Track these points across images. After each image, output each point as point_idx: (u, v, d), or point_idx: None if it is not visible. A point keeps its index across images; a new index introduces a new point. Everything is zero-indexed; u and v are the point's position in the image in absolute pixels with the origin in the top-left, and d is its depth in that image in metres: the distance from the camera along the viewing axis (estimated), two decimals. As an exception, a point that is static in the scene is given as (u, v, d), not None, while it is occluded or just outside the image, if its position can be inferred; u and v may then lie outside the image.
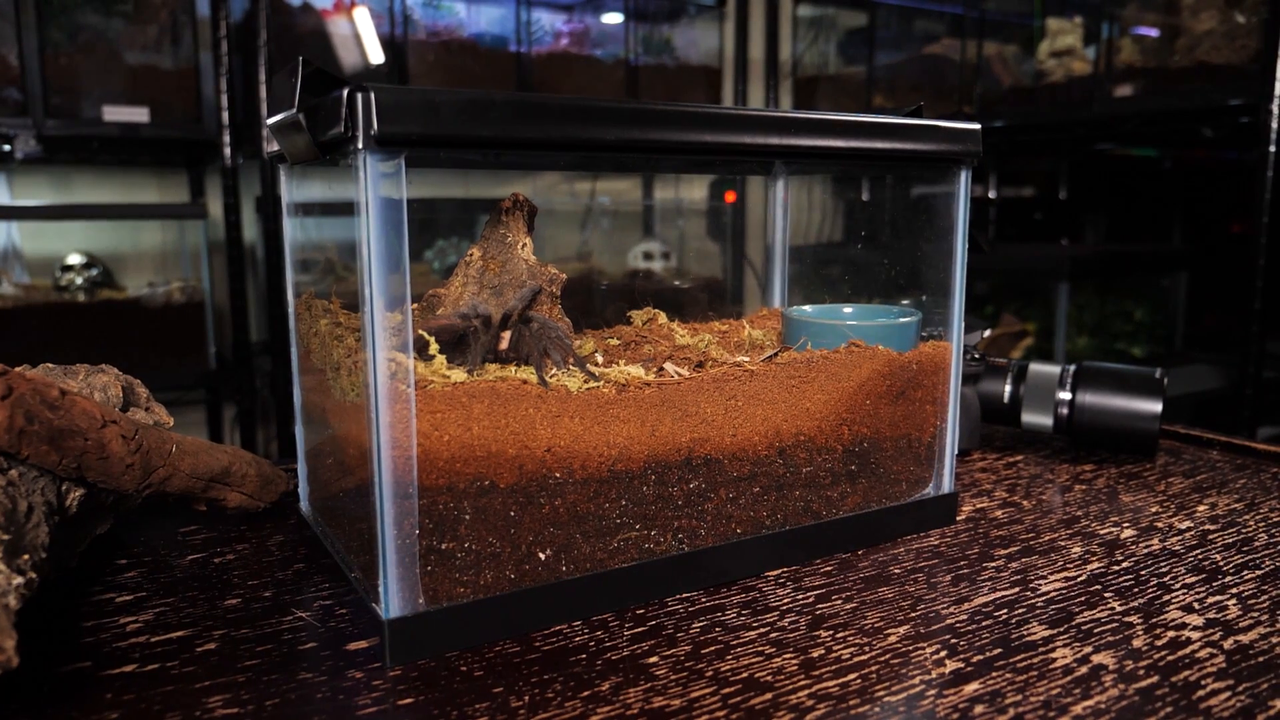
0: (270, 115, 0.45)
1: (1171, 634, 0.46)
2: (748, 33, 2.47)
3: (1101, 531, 0.60)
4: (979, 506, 0.65)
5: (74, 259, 1.74)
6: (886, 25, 2.39)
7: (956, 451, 0.80)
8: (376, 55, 2.09)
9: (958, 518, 0.63)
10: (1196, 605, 0.49)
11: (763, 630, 0.46)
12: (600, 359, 0.58)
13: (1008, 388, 0.81)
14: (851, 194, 3.11)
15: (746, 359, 0.53)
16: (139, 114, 1.60)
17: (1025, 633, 0.46)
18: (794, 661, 0.43)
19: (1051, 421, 0.79)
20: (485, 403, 0.44)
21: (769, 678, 0.41)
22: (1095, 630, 0.46)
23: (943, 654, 0.44)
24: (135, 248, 1.98)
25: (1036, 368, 0.81)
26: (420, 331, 0.44)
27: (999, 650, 0.44)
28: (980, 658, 0.43)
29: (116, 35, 1.61)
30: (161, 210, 1.84)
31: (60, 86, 1.55)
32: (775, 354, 0.55)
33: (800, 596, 0.50)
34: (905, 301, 0.69)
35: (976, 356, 0.80)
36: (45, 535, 0.43)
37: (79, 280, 1.70)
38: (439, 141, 0.39)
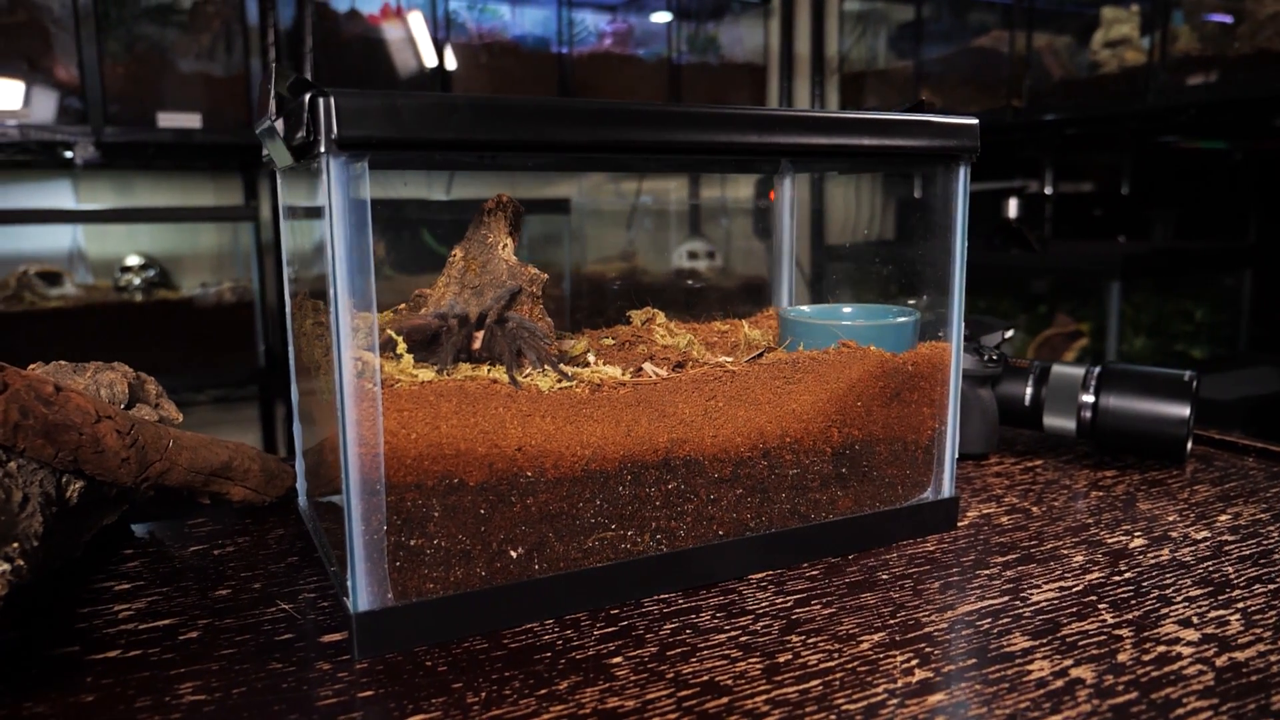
0: (255, 122, 0.47)
1: (1161, 649, 0.44)
2: (793, 29, 2.45)
3: (1109, 540, 0.58)
4: (985, 512, 0.64)
5: (132, 260, 1.81)
6: (937, 18, 2.34)
7: (975, 454, 0.78)
8: (431, 59, 2.13)
9: (961, 523, 0.61)
10: (1195, 619, 0.47)
11: (733, 634, 0.46)
12: (592, 359, 0.58)
13: (1029, 390, 0.79)
14: (902, 191, 3.06)
15: (729, 359, 0.52)
16: (192, 120, 1.66)
17: (1005, 643, 0.45)
18: (758, 666, 0.42)
19: (1074, 425, 0.77)
20: (453, 401, 0.44)
21: (729, 681, 0.41)
22: (1080, 643, 0.45)
23: (913, 663, 0.43)
24: (193, 249, 2.05)
25: (1059, 369, 0.78)
26: (389, 331, 0.45)
27: (973, 660, 0.43)
28: (952, 668, 0.42)
29: (170, 44, 1.67)
30: (213, 213, 1.91)
31: (117, 95, 1.61)
32: (760, 354, 0.54)
33: (779, 600, 0.49)
34: (911, 301, 0.67)
35: (994, 357, 0.78)
36: (39, 525, 0.45)
37: (137, 281, 1.77)
38: (400, 144, 0.40)
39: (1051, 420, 0.78)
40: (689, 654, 0.44)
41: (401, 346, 0.45)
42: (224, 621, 0.47)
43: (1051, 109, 1.86)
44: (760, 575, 0.53)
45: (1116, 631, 0.46)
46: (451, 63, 2.13)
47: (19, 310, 1.61)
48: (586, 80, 2.24)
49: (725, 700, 0.40)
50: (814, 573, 0.53)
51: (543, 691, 0.40)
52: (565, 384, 0.47)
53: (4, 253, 1.75)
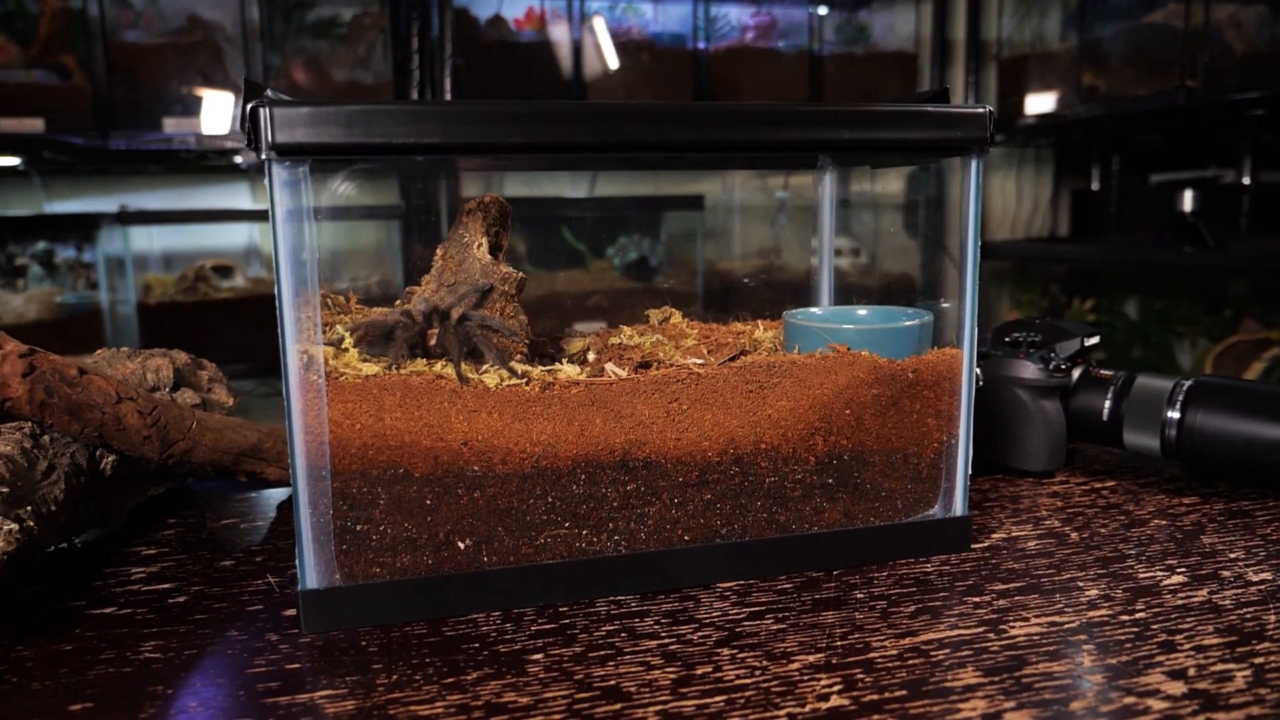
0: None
1: (1129, 700, 0.39)
2: (947, 12, 2.32)
3: (1141, 575, 0.52)
4: (1015, 534, 0.59)
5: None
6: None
7: (1037, 472, 0.71)
8: (613, 61, 2.19)
9: (980, 544, 0.57)
10: (1193, 671, 0.41)
11: (666, 641, 0.45)
12: (591, 357, 0.58)
13: (1108, 403, 0.72)
14: (1077, 182, 2.82)
15: (699, 361, 0.51)
16: (343, 126, 1.80)
17: (950, 678, 0.41)
18: (672, 676, 0.41)
19: (1158, 444, 0.69)
20: (397, 395, 0.46)
21: (633, 689, 0.40)
22: (1036, 685, 0.40)
23: (836, 688, 0.40)
24: (352, 246, 2.22)
25: (1144, 381, 0.70)
26: (338, 326, 0.48)
27: (903, 693, 0.40)
28: (875, 697, 0.40)
29: (326, 56, 1.82)
30: (363, 212, 2.05)
31: (279, 105, 1.77)
32: (734, 356, 0.52)
33: (734, 611, 0.48)
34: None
35: (1061, 366, 0.71)
36: (60, 492, 0.50)
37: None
38: (331, 150, 0.42)
39: (1132, 438, 0.70)
40: (610, 658, 0.43)
41: (348, 341, 0.47)
42: (212, 589, 0.51)
43: (1233, 88, 1.66)
44: (730, 584, 0.51)
45: (1087, 677, 0.41)
46: (614, 62, 2.18)
47: (194, 300, 1.81)
48: (723, 76, 2.23)
49: (618, 707, 0.39)
50: (787, 586, 0.51)
51: (449, 680, 0.41)
52: (515, 381, 0.48)
53: (190, 248, 1.97)
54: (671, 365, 0.51)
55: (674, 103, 0.46)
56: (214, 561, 0.55)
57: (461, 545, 0.48)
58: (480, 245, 0.52)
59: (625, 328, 0.60)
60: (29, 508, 0.48)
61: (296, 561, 0.46)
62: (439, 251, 0.54)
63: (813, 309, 0.64)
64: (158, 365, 0.62)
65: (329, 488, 0.46)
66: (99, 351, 0.63)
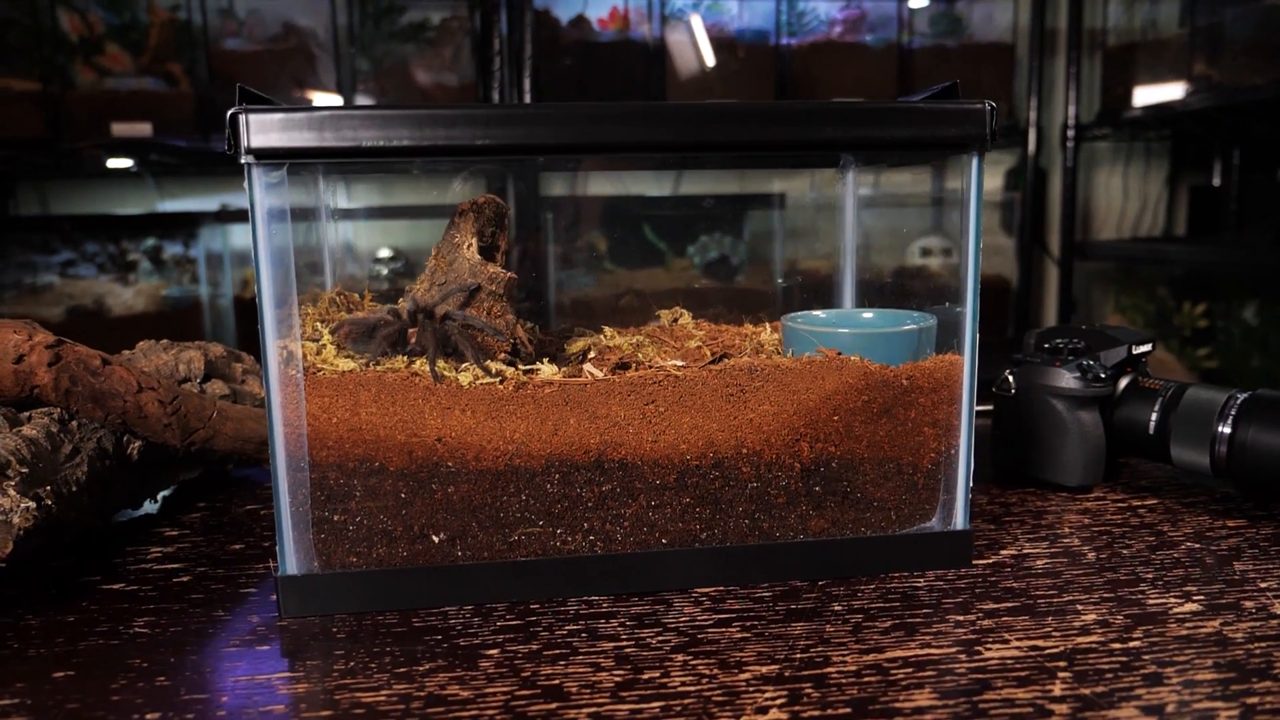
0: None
1: (1092, 734, 0.37)
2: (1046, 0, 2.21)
3: (1151, 601, 0.49)
4: (1026, 551, 0.56)
5: (384, 253, 2.06)
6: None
7: (1072, 486, 0.67)
8: (709, 58, 2.20)
9: (984, 560, 0.54)
10: (1173, 707, 0.38)
11: (623, 644, 0.45)
12: (592, 356, 0.58)
13: (1155, 415, 0.67)
14: (1200, 178, 2.63)
15: (679, 363, 0.51)
16: (426, 127, 1.86)
17: (902, 698, 0.39)
18: (616, 679, 0.41)
19: (1208, 460, 0.64)
20: (372, 391, 0.47)
21: (574, 689, 0.40)
22: (993, 711, 0.38)
23: (778, 702, 0.39)
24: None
25: (1195, 393, 0.66)
26: (317, 324, 0.49)
27: (847, 711, 0.39)
28: (816, 713, 0.38)
29: (415, 60, 1.88)
30: (447, 210, 2.11)
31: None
32: (717, 359, 0.52)
33: (701, 618, 0.47)
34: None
35: (1102, 375, 0.67)
36: (83, 474, 0.54)
37: (384, 271, 2.01)
38: (304, 153, 0.44)
39: (1180, 453, 0.65)
40: (562, 657, 0.43)
41: (326, 338, 0.49)
42: (215, 571, 0.54)
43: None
44: (708, 590, 0.51)
45: (1050, 705, 0.39)
46: (710, 59, 2.17)
47: (285, 294, 1.91)
48: (807, 71, 2.19)
49: (553, 706, 0.39)
50: (765, 594, 0.50)
51: (402, 670, 0.42)
52: (489, 380, 0.48)
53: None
54: (650, 367, 0.51)
55: (656, 103, 0.46)
56: (225, 545, 0.58)
57: (435, 539, 0.49)
58: (470, 246, 0.53)
59: (607, 328, 0.60)
60: (49, 487, 0.51)
61: (278, 549, 0.48)
62: (433, 251, 0.55)
63: (816, 312, 0.62)
64: (190, 357, 0.66)
65: (307, 478, 0.47)
66: (140, 343, 0.67)
